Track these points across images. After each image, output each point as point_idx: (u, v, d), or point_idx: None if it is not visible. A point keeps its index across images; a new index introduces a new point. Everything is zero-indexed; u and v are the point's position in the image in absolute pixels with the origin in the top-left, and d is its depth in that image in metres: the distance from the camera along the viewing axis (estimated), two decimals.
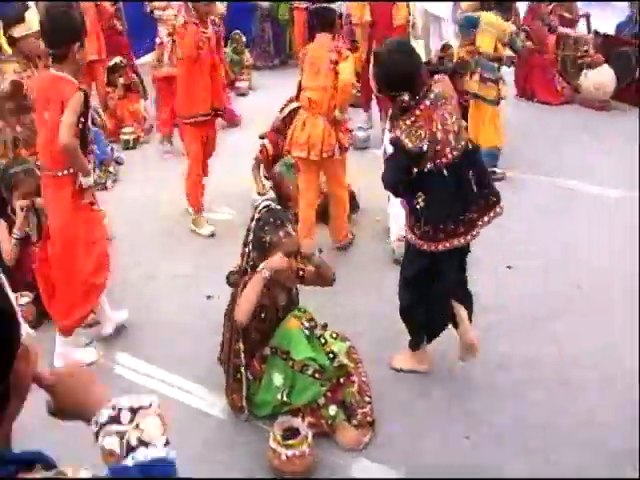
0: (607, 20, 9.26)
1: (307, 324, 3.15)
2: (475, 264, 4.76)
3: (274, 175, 5.44)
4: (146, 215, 5.68)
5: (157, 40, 7.33)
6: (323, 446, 3.11)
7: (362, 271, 4.77)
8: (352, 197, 5.40)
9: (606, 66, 8.31)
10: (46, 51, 3.74)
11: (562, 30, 8.82)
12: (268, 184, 5.64)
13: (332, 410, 3.10)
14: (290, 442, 2.94)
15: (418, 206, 3.15)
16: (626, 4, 9.13)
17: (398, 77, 3.06)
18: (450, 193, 3.11)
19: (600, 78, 8.29)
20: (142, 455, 1.18)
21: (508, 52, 6.15)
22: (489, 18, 6.09)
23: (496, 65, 6.11)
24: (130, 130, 7.46)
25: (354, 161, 6.72)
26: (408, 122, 3.02)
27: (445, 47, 7.60)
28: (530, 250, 4.96)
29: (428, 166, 3.06)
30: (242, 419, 3.30)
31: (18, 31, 4.44)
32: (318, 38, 4.74)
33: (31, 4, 4.57)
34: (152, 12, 7.51)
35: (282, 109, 5.59)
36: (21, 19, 4.42)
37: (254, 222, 3.14)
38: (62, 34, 3.43)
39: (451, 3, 8.55)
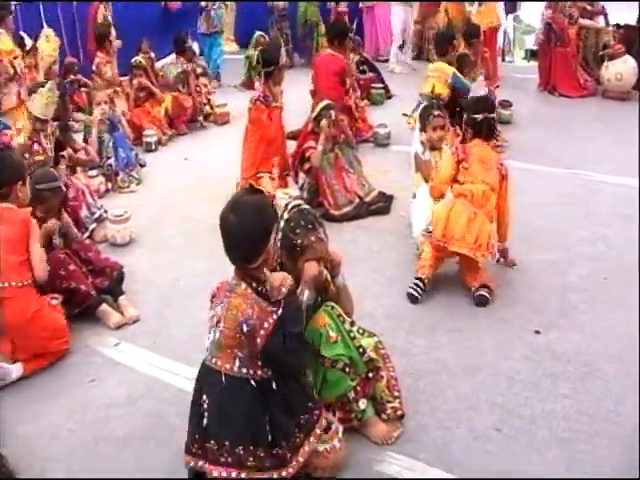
0: (630, 12, 9.20)
1: (336, 320, 3.16)
2: None
3: (315, 170, 5.57)
4: (168, 216, 5.77)
5: None
6: (353, 440, 3.12)
7: (385, 266, 4.79)
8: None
9: (628, 57, 8.24)
10: None
11: (583, 22, 8.77)
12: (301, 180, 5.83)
13: (362, 404, 3.12)
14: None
15: None
16: None
17: None
18: None
19: (622, 69, 8.23)
20: None
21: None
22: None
23: None
24: (152, 132, 7.53)
25: (376, 158, 6.78)
26: None
27: None
28: (554, 242, 4.94)
29: None
30: None
31: None
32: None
33: None
34: None
35: (313, 109, 5.75)
36: None
37: (283, 222, 3.14)
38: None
39: None
